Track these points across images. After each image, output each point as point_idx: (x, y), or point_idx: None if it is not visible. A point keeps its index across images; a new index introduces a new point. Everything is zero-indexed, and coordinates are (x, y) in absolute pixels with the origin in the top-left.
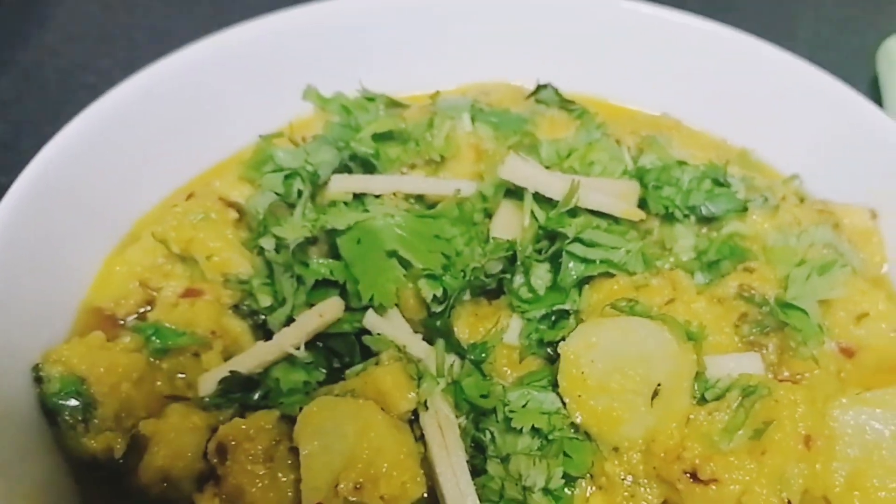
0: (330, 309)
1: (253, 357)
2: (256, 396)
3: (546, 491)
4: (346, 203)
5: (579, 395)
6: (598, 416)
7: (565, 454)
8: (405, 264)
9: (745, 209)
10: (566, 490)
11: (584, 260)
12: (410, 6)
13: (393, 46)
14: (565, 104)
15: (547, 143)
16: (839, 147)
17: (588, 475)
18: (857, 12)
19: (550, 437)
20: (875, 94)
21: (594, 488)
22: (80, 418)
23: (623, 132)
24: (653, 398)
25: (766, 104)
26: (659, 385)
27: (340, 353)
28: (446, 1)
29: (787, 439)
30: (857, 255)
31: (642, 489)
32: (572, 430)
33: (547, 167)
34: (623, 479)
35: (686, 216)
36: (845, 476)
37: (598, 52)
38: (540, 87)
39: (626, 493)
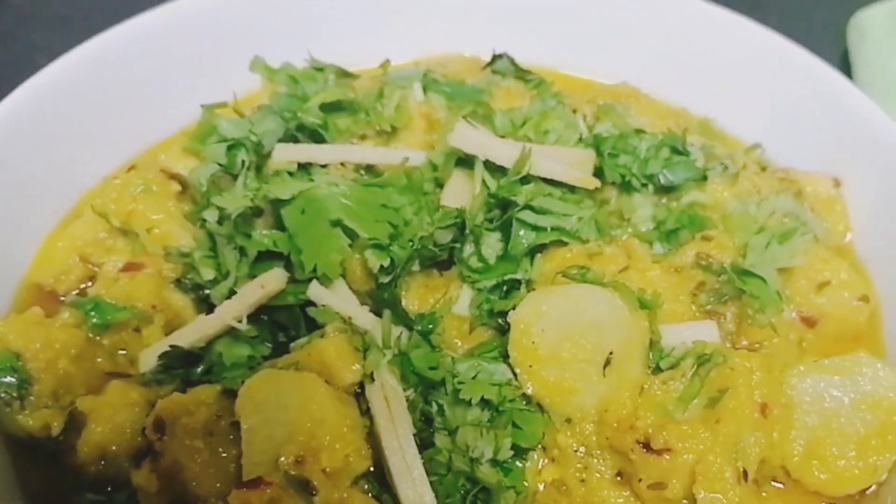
0: (272, 280)
1: (194, 331)
2: (199, 371)
3: (494, 462)
4: (290, 173)
5: (530, 366)
6: (550, 387)
7: (515, 425)
8: (351, 234)
9: (705, 178)
10: (517, 463)
11: (535, 227)
12: None
13: (343, 18)
14: (521, 74)
15: (501, 112)
16: (802, 116)
17: (540, 447)
18: None
19: (501, 408)
20: (846, 68)
21: (546, 460)
22: (15, 395)
23: (580, 101)
24: (605, 367)
25: (728, 72)
26: (611, 353)
27: (285, 326)
28: None
29: (742, 407)
30: (819, 224)
31: (595, 460)
32: (523, 402)
33: (501, 136)
34: (576, 451)
35: (644, 185)
36: (804, 444)
37: (554, 22)
38: (496, 58)
39: (578, 465)
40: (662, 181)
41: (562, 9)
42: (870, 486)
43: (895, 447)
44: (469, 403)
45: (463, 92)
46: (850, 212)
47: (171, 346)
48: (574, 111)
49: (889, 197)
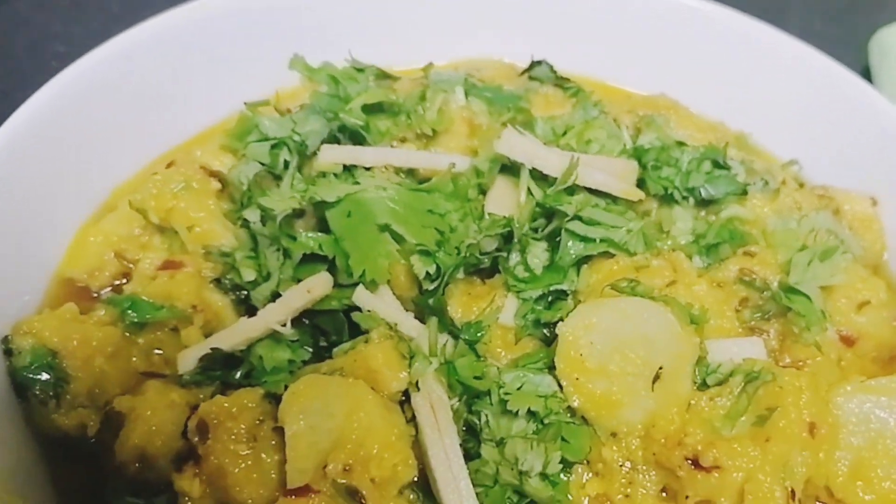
0: (318, 284)
1: (236, 333)
2: (238, 375)
3: (543, 476)
4: (335, 175)
5: (577, 378)
6: (597, 400)
7: (562, 439)
8: (397, 239)
9: (745, 192)
10: (562, 476)
11: (584, 238)
12: None
13: (383, 19)
14: (560, 81)
15: (542, 120)
16: (839, 133)
17: (585, 461)
18: (847, 4)
19: (546, 420)
20: None
21: (591, 474)
22: (51, 393)
23: (620, 111)
24: (654, 382)
25: (764, 87)
26: (661, 368)
27: (327, 331)
28: None
29: (791, 426)
30: (857, 242)
31: (640, 476)
32: (569, 415)
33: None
34: (621, 466)
35: (685, 198)
36: (849, 465)
37: (590, 33)
38: (534, 64)
39: (623, 480)
40: (703, 195)
41: (596, 19)
42: None
43: None
44: (515, 415)
45: (502, 97)
46: (887, 231)
47: (212, 348)
48: (615, 121)
49: None
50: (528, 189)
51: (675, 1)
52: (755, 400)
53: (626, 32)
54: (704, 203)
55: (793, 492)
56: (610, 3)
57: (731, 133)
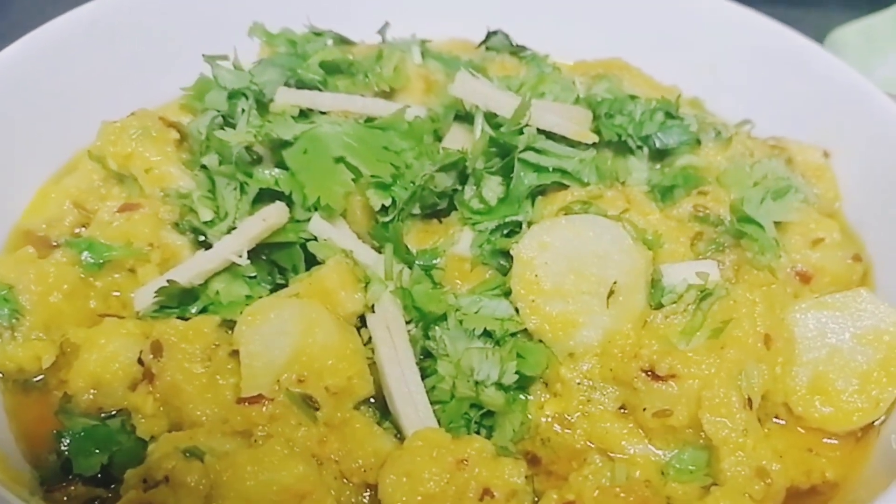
0: (274, 213)
1: (192, 266)
2: (195, 310)
3: (499, 385)
4: (293, 117)
5: (533, 300)
6: (553, 322)
7: (519, 356)
8: (354, 172)
9: (699, 142)
10: (521, 396)
11: (537, 168)
12: None
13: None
14: (516, 50)
15: (497, 78)
16: (790, 93)
17: (543, 383)
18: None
19: (502, 342)
20: None
21: (549, 395)
22: (5, 325)
23: (574, 74)
24: (608, 297)
25: (716, 53)
26: (615, 283)
27: (285, 268)
28: None
29: (746, 336)
30: (811, 190)
31: (598, 394)
32: (526, 338)
33: None
34: (578, 384)
35: (639, 147)
36: (807, 380)
37: (542, 9)
38: (490, 34)
39: (581, 398)
40: (657, 144)
41: None
42: (871, 422)
43: None
44: (472, 334)
45: (459, 64)
46: (840, 181)
47: (168, 281)
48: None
49: (877, 166)
50: (483, 130)
51: None
52: (710, 315)
53: (579, 6)
54: (659, 154)
55: (750, 400)
56: None
57: (684, 96)
